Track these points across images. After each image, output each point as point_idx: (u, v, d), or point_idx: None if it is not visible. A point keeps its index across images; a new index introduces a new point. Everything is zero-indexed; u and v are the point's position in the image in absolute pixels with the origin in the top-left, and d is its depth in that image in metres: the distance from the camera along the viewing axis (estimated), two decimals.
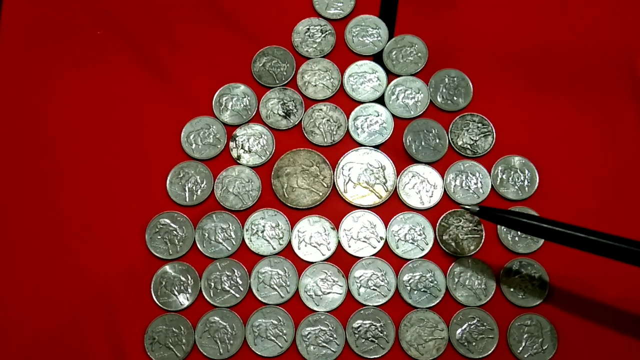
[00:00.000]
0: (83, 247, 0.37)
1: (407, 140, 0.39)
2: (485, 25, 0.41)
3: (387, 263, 0.37)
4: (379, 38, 0.41)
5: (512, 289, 0.36)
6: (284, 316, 0.36)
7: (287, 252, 0.37)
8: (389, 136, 0.39)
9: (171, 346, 0.36)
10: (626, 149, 0.39)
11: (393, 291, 0.36)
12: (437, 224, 0.38)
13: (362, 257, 0.37)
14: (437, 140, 0.39)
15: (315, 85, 0.40)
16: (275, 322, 0.36)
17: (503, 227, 0.37)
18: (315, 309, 0.36)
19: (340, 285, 0.37)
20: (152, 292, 0.36)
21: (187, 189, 0.38)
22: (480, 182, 0.38)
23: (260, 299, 0.36)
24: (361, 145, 0.39)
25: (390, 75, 0.41)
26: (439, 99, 0.40)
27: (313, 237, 0.37)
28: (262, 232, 0.38)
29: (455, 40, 0.41)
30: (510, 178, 0.38)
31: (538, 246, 0.37)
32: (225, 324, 0.36)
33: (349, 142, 0.39)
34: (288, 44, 0.41)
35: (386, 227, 0.38)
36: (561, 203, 0.38)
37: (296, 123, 0.40)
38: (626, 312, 0.36)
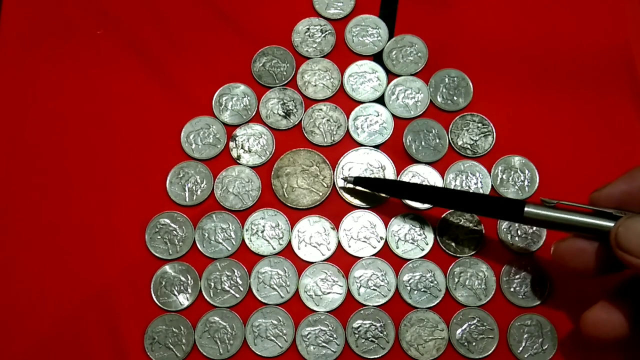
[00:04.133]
0: (83, 247, 0.37)
1: (407, 140, 0.39)
2: (485, 25, 0.41)
3: (387, 263, 0.37)
4: (379, 38, 0.41)
5: (512, 289, 0.36)
6: (284, 316, 0.36)
7: (287, 252, 0.37)
8: (389, 136, 0.39)
9: (171, 346, 0.36)
10: (626, 149, 0.39)
11: (393, 291, 0.36)
12: (437, 224, 0.38)
13: (362, 257, 0.37)
14: (437, 140, 0.39)
15: (315, 85, 0.40)
16: (275, 322, 0.36)
17: (503, 227, 0.37)
18: (315, 309, 0.36)
19: (340, 285, 0.37)
20: (152, 292, 0.36)
21: (187, 189, 0.38)
22: (480, 182, 0.38)
23: (260, 299, 0.36)
24: (361, 145, 0.39)
25: (390, 75, 0.41)
26: (439, 99, 0.40)
27: (313, 237, 0.37)
28: (262, 232, 0.38)
29: (455, 40, 0.41)
30: (510, 178, 0.38)
31: (538, 246, 0.37)
32: (225, 324, 0.36)
33: (349, 142, 0.39)
34: (288, 43, 0.41)
35: (386, 227, 0.38)
36: None
37: (296, 123, 0.40)
38: None
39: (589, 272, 0.30)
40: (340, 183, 0.38)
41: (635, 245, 0.27)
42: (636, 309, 0.29)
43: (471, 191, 0.37)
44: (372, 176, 0.38)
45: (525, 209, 0.31)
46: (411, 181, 0.38)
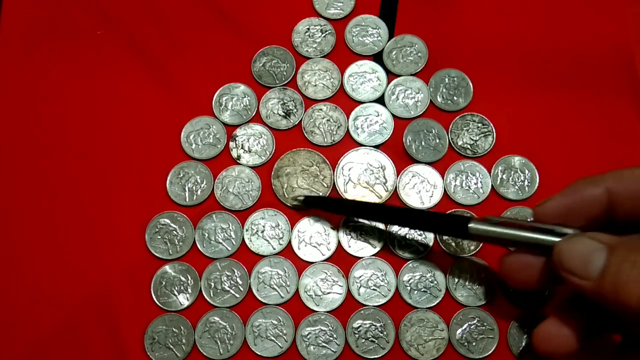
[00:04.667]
0: (83, 247, 0.37)
1: (407, 140, 0.39)
2: (486, 25, 0.41)
3: (387, 263, 0.37)
4: (379, 38, 0.41)
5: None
6: (284, 316, 0.36)
7: (287, 252, 0.37)
8: (389, 136, 0.39)
9: (171, 346, 0.36)
10: (626, 149, 0.39)
11: (393, 291, 0.36)
12: None
13: (362, 257, 0.37)
14: (437, 140, 0.39)
15: (315, 85, 0.40)
16: (275, 322, 0.36)
17: None
18: (315, 309, 0.36)
19: (340, 285, 0.37)
20: (152, 292, 0.36)
21: (187, 189, 0.38)
22: (481, 182, 0.38)
23: (260, 299, 0.36)
24: (361, 145, 0.39)
25: (390, 75, 0.41)
26: (439, 99, 0.40)
27: (313, 237, 0.37)
28: (262, 232, 0.38)
29: (455, 40, 0.41)
30: (510, 178, 0.38)
31: None
32: (225, 324, 0.36)
33: (349, 142, 0.39)
34: (288, 44, 0.41)
35: (386, 228, 0.38)
36: None
37: (296, 123, 0.40)
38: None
39: (536, 284, 0.30)
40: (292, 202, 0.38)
41: (575, 266, 0.27)
42: (584, 323, 0.29)
43: (419, 208, 0.37)
44: (319, 195, 0.38)
45: (469, 225, 0.31)
46: (410, 181, 0.38)
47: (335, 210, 0.37)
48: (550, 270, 0.29)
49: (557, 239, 0.28)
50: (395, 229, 0.37)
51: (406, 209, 0.36)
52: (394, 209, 0.36)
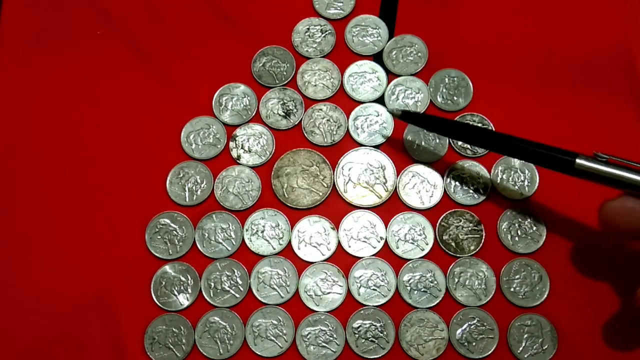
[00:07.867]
0: (83, 246, 0.37)
1: (407, 140, 0.39)
2: (486, 25, 0.41)
3: (387, 263, 0.37)
4: (379, 38, 0.41)
5: (512, 289, 0.36)
6: (284, 316, 0.36)
7: (287, 252, 0.37)
8: (389, 136, 0.39)
9: (171, 346, 0.36)
10: (626, 149, 0.39)
11: (393, 291, 0.36)
12: (437, 224, 0.38)
13: (362, 257, 0.37)
14: (437, 140, 0.39)
15: (315, 85, 0.40)
16: (275, 322, 0.36)
17: (503, 227, 0.37)
18: (315, 309, 0.36)
19: (340, 285, 0.37)
20: (152, 292, 0.36)
21: (187, 189, 0.38)
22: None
23: (260, 299, 0.36)
24: (361, 145, 0.39)
25: (390, 75, 0.41)
26: (439, 99, 0.40)
27: (313, 237, 0.37)
28: (262, 232, 0.38)
29: (455, 40, 0.41)
30: (510, 178, 0.38)
31: (538, 246, 0.37)
32: (225, 324, 0.36)
33: (349, 142, 0.39)
34: (288, 43, 0.41)
35: (386, 227, 0.38)
36: (561, 203, 0.38)
37: (296, 123, 0.40)
38: (627, 311, 0.36)
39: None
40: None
41: None
42: None
43: (523, 138, 0.35)
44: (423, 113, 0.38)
45: (577, 160, 0.31)
46: (410, 181, 0.38)
47: (435, 128, 0.37)
48: None
49: None
50: (395, 228, 0.37)
51: (511, 138, 0.34)
52: (498, 136, 0.35)
